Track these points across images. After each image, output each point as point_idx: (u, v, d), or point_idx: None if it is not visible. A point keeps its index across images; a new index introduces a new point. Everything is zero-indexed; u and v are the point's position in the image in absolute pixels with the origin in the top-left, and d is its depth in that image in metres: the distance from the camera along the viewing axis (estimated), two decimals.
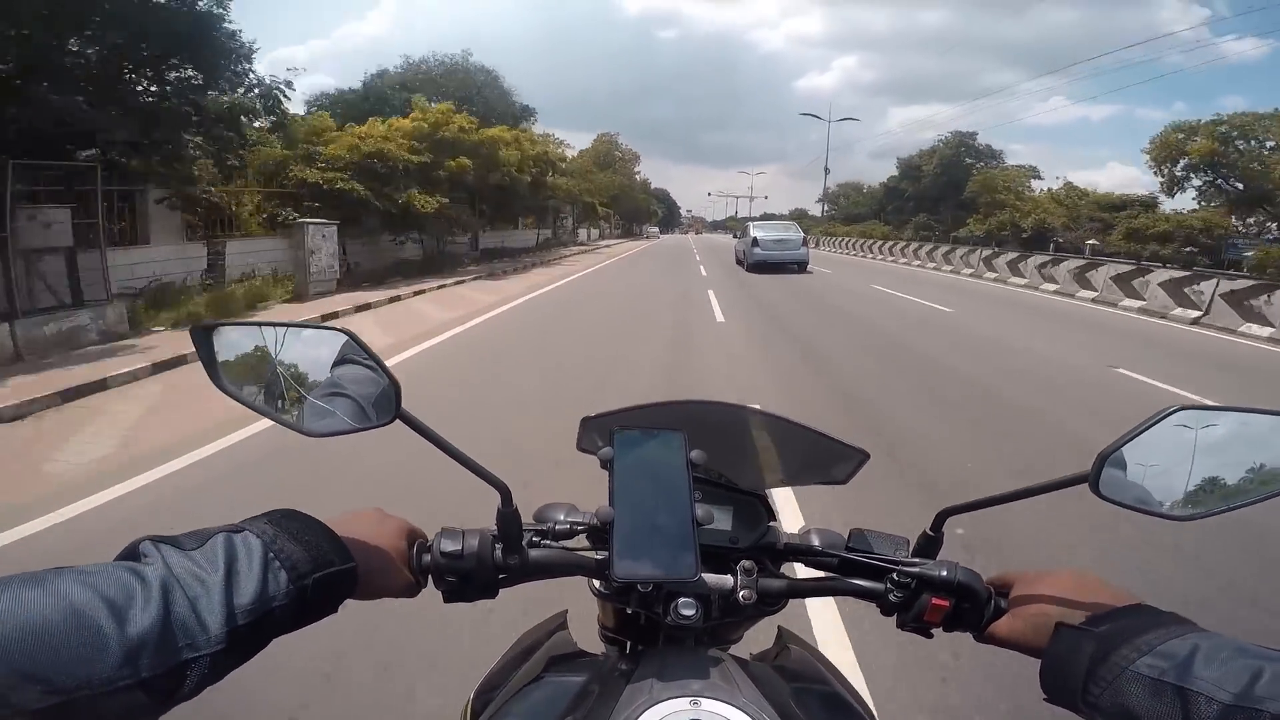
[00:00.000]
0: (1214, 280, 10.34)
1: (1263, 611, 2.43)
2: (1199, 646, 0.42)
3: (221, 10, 9.08)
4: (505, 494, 0.58)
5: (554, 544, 0.63)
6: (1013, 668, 1.44)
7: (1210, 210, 25.71)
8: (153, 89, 9.51)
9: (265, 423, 5.21)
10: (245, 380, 0.56)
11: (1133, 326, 10.06)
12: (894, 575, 0.61)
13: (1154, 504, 0.52)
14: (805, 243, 18.96)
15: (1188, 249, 23.28)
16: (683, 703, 0.46)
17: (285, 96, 11.09)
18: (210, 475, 3.60)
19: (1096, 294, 12.90)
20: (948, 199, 39.17)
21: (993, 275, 17.55)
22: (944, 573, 0.58)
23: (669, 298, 12.03)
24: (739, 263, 20.32)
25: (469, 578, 0.59)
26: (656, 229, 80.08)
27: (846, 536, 0.66)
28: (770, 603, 0.64)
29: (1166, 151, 26.54)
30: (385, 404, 0.55)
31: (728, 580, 0.61)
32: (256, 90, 10.47)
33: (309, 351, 0.56)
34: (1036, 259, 16.25)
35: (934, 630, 0.60)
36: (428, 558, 0.59)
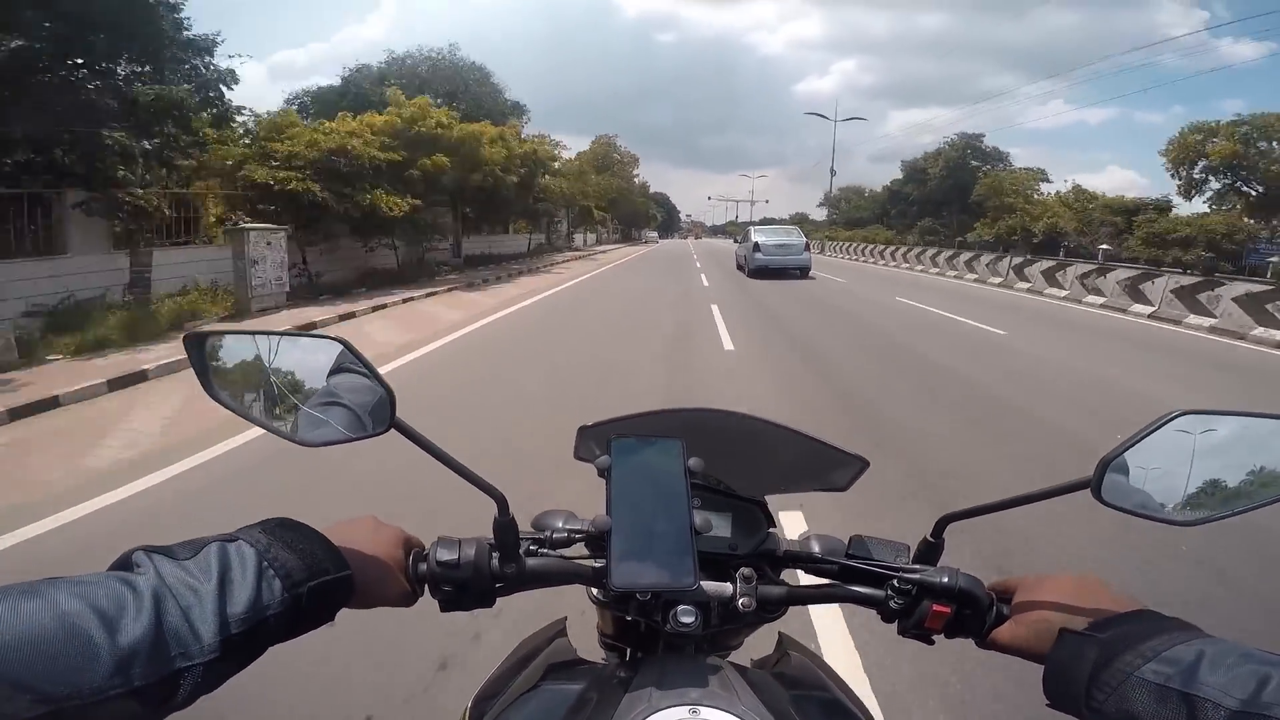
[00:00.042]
0: None
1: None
2: (1204, 652, 0.42)
3: None
4: (501, 503, 0.59)
5: (551, 552, 0.63)
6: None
7: (1225, 214, 24.73)
8: (71, 79, 8.41)
9: (150, 480, 3.72)
10: (239, 389, 0.56)
11: (1216, 351, 8.40)
12: (894, 582, 0.61)
13: (1156, 509, 0.52)
14: (808, 247, 18.68)
15: (1208, 254, 22.23)
16: (681, 711, 0.46)
17: (228, 87, 9.97)
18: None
19: (1154, 309, 11.24)
20: (953, 202, 38.20)
21: (1025, 285, 15.99)
22: (945, 579, 0.59)
23: (666, 316, 10.69)
24: (740, 268, 20.03)
25: (465, 587, 0.59)
26: (655, 234, 78.97)
27: (847, 543, 0.66)
28: (770, 610, 0.64)
29: (1185, 153, 25.77)
30: (380, 413, 0.54)
31: (727, 587, 0.61)
32: (192, 83, 9.33)
33: (304, 360, 0.56)
34: (1079, 268, 14.49)
35: (935, 637, 0.60)
36: (424, 566, 0.59)
